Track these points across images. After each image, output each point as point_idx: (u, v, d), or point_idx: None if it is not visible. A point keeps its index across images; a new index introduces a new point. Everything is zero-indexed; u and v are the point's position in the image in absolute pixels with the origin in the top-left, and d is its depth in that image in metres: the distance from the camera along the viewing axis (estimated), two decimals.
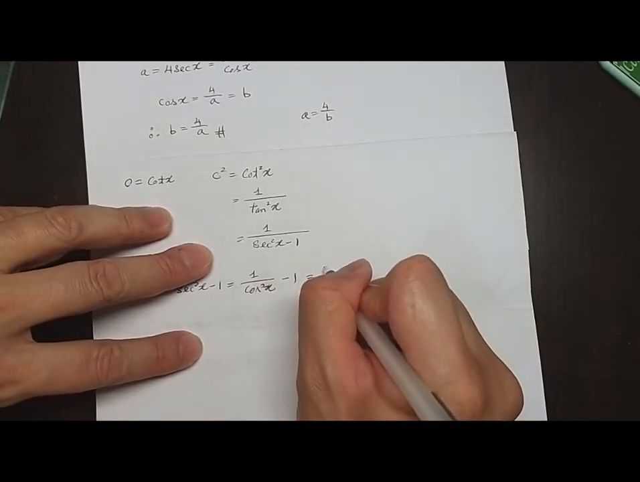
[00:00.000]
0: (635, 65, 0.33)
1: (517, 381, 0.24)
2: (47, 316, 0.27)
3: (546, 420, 0.32)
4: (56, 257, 0.29)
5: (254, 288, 0.33)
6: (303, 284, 0.26)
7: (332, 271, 0.31)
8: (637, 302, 0.33)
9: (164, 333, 0.32)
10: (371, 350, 0.24)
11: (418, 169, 0.33)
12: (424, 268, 0.23)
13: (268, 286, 0.33)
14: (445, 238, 0.33)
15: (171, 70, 0.34)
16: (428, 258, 0.23)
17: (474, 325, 0.25)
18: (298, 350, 0.25)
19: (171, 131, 0.34)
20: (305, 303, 0.25)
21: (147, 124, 0.34)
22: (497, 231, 0.33)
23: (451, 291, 0.24)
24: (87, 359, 0.28)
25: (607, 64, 0.33)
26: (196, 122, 0.34)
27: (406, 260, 0.23)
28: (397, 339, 0.23)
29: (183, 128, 0.34)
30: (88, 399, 0.32)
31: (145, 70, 0.34)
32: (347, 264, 0.29)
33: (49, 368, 0.27)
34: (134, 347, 0.30)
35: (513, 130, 0.33)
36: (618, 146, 0.33)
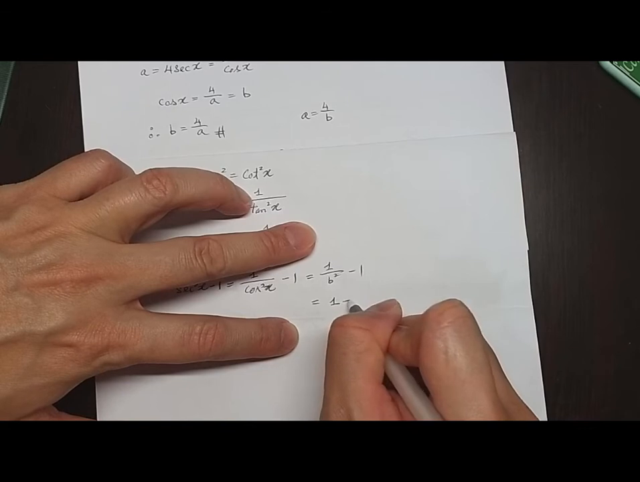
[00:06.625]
0: (635, 65, 0.33)
1: None
2: (156, 288, 0.28)
3: (546, 420, 0.32)
4: (153, 221, 0.30)
5: (254, 288, 0.33)
6: (334, 321, 0.25)
7: (357, 306, 0.31)
8: (637, 302, 0.33)
9: (268, 317, 0.32)
10: (398, 394, 0.24)
11: (417, 169, 0.33)
12: (457, 314, 0.22)
13: (268, 286, 0.33)
14: (445, 238, 0.33)
15: (171, 70, 0.34)
16: (461, 303, 0.23)
17: (504, 373, 0.25)
18: (323, 385, 0.25)
19: (171, 131, 0.34)
20: (334, 341, 0.25)
21: (147, 124, 0.34)
22: (497, 231, 0.33)
23: (483, 337, 0.23)
24: (190, 332, 0.28)
25: (607, 64, 0.33)
26: (196, 122, 0.34)
27: (438, 304, 0.23)
28: (428, 385, 0.22)
29: (183, 128, 0.34)
30: (88, 399, 0.32)
31: (145, 70, 0.34)
32: (376, 303, 0.28)
33: (152, 336, 0.28)
34: (240, 325, 0.30)
35: (512, 130, 0.33)
36: (618, 146, 0.33)
